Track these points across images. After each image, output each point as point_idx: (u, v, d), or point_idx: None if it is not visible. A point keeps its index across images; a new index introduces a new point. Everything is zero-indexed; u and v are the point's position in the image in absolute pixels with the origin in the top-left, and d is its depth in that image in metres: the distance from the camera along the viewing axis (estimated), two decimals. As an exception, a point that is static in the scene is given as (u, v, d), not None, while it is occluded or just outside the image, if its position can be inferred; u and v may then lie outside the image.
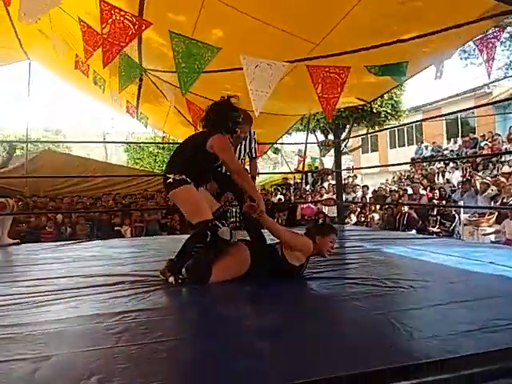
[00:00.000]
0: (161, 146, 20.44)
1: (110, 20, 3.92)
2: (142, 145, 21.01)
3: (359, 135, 17.34)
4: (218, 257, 2.49)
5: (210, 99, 7.52)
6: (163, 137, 9.24)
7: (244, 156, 3.49)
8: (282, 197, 10.58)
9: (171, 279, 2.43)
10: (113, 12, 3.92)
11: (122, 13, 3.96)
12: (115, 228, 7.88)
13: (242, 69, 4.17)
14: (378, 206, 9.10)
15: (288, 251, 2.55)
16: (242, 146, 3.38)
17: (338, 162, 6.12)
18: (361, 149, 20.75)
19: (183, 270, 2.48)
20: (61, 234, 7.35)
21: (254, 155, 3.57)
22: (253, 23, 5.34)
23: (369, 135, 19.11)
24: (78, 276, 2.68)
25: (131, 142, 21.09)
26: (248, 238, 2.88)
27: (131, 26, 3.97)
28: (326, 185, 10.83)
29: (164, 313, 1.92)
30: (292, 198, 10.82)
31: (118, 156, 24.20)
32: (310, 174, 13.95)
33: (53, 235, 7.13)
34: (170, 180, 2.48)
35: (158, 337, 1.57)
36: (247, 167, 3.58)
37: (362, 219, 8.78)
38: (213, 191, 3.05)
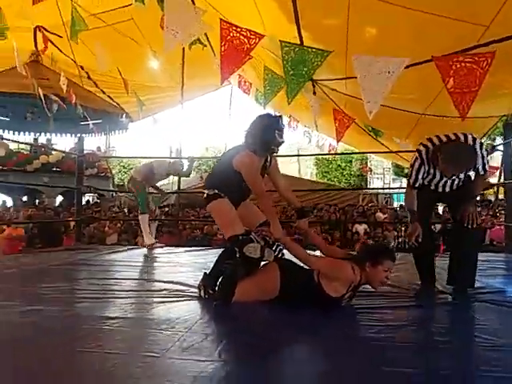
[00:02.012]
0: (348, 159, 20.31)
1: (229, 37, 4.06)
2: (330, 158, 21.23)
3: None
4: (247, 276, 2.25)
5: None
6: (329, 149, 9.05)
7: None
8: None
9: (202, 293, 2.37)
10: (230, 30, 4.06)
11: (238, 29, 4.07)
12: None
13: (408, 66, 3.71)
14: None
15: (325, 279, 2.15)
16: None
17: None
18: None
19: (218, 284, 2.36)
20: (228, 240, 7.95)
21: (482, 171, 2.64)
22: (409, 15, 4.79)
23: None
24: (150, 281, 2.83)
25: (311, 155, 21.40)
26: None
27: (246, 42, 4.03)
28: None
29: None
30: (485, 217, 9.09)
31: (310, 170, 25.06)
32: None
33: (222, 241, 7.77)
34: (205, 195, 2.47)
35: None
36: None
37: None
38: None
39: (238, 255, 2.25)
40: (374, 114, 3.48)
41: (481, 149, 2.37)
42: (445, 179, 2.53)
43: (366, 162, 19.51)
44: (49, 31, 8.76)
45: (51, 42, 9.34)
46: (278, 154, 2.67)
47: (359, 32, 5.46)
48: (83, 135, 13.78)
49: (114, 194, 14.29)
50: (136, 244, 6.81)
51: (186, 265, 3.65)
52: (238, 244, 2.24)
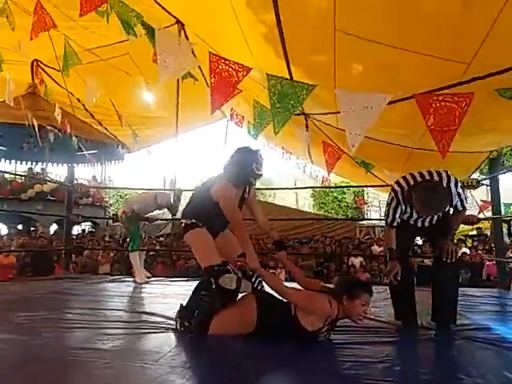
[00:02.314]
0: (345, 190, 20.34)
1: (218, 70, 4.17)
2: (327, 190, 21.31)
3: None
4: (223, 308, 2.21)
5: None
6: (322, 180, 9.09)
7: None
8: (467, 250, 8.97)
9: (177, 325, 2.31)
10: (219, 62, 4.17)
11: (227, 62, 4.17)
12: (269, 269, 7.99)
13: (393, 102, 3.77)
14: None
15: (301, 312, 2.12)
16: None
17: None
18: None
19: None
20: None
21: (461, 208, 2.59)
22: (393, 52, 4.93)
23: None
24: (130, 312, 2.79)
25: (307, 187, 21.45)
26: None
27: (234, 74, 4.13)
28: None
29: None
30: (481, 252, 9.05)
31: (308, 201, 25.10)
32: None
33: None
34: (183, 224, 2.47)
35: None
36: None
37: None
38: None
39: (213, 286, 2.21)
40: (356, 147, 3.52)
41: (456, 187, 2.37)
42: (423, 216, 2.53)
43: (362, 195, 19.56)
44: (46, 65, 8.99)
45: (48, 75, 9.56)
46: (276, 186, 2.69)
47: (346, 68, 5.59)
48: (79, 165, 14.11)
49: (110, 223, 14.25)
50: (131, 274, 6.75)
51: (169, 295, 3.60)
52: (213, 275, 2.20)
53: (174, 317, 2.41)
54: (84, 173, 14.87)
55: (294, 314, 2.12)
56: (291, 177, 26.71)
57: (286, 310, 2.16)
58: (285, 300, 2.26)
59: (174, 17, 7.08)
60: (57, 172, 14.32)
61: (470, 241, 11.02)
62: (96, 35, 7.19)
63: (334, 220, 14.25)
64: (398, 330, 2.44)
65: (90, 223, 13.59)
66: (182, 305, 2.42)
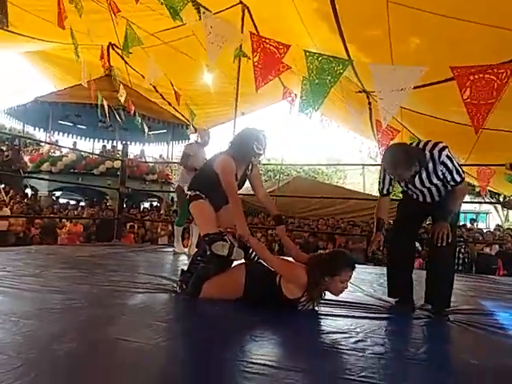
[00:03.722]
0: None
1: (259, 49, 4.23)
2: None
3: None
4: (215, 274, 2.32)
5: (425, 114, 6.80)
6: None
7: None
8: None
9: (178, 288, 2.46)
10: (260, 42, 4.22)
11: (267, 40, 4.21)
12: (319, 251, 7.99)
13: (452, 79, 3.62)
14: None
15: (284, 281, 2.17)
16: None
17: None
18: None
19: None
20: (271, 249, 8.01)
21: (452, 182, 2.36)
22: (452, 24, 4.65)
23: None
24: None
25: (365, 165, 20.54)
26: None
27: (276, 51, 4.16)
28: None
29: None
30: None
31: (373, 185, 24.24)
32: None
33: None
34: (188, 196, 2.62)
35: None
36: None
37: None
38: None
39: (208, 253, 2.34)
40: (388, 121, 3.44)
41: (440, 154, 2.17)
42: (410, 186, 2.36)
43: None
44: (119, 48, 9.58)
45: (122, 58, 10.19)
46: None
47: (402, 43, 5.34)
48: (150, 144, 14.96)
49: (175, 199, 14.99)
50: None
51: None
52: (208, 242, 2.32)
53: (177, 280, 2.58)
54: (152, 151, 15.81)
55: (278, 283, 2.20)
56: (359, 160, 25.92)
57: (272, 280, 2.23)
58: (272, 269, 2.32)
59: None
60: (131, 150, 15.34)
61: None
62: (162, 18, 7.54)
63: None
64: (389, 308, 2.37)
65: (156, 199, 14.42)
66: (182, 269, 2.58)
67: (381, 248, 2.42)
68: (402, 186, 2.52)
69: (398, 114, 7.84)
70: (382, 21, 5.09)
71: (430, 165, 2.25)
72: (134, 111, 9.78)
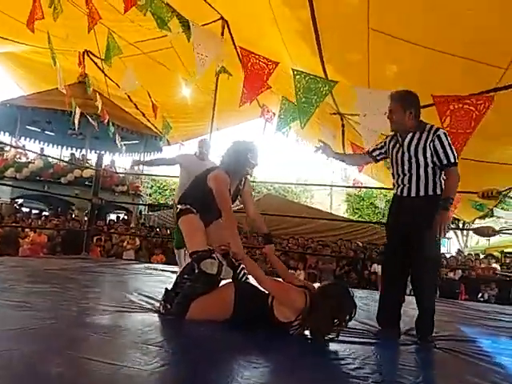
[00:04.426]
0: (376, 195, 19.98)
1: (249, 64, 4.25)
2: (363, 195, 20.94)
3: None
4: (203, 293, 2.22)
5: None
6: (353, 182, 8.98)
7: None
8: (498, 266, 8.60)
9: (161, 308, 2.33)
10: (250, 57, 4.25)
11: (257, 56, 4.25)
12: (290, 269, 7.97)
13: (430, 105, 3.74)
14: None
15: (277, 303, 2.11)
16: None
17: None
18: None
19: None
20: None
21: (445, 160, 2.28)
22: (429, 54, 4.83)
23: None
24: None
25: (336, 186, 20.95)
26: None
27: (265, 67, 4.20)
28: None
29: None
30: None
31: (343, 206, 24.68)
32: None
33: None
34: (178, 210, 2.57)
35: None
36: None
37: None
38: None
39: (196, 271, 2.26)
40: (370, 144, 3.49)
41: (437, 130, 2.25)
42: (399, 153, 2.37)
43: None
44: (95, 55, 9.39)
45: (97, 65, 10.01)
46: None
47: (380, 68, 5.50)
48: (119, 154, 14.64)
49: (143, 212, 14.66)
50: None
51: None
52: (196, 259, 2.25)
53: (160, 299, 2.43)
54: (122, 162, 15.46)
55: (270, 304, 2.13)
56: (328, 180, 26.34)
57: (263, 300, 2.16)
58: (264, 290, 2.24)
59: (219, 13, 7.24)
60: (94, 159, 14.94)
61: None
62: (141, 29, 7.48)
63: (363, 223, 13.91)
64: (376, 333, 2.33)
65: (124, 211, 14.06)
66: (166, 288, 2.43)
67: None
68: (391, 153, 2.47)
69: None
70: (362, 46, 5.24)
71: (424, 135, 2.28)
72: (108, 120, 9.58)
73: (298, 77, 3.75)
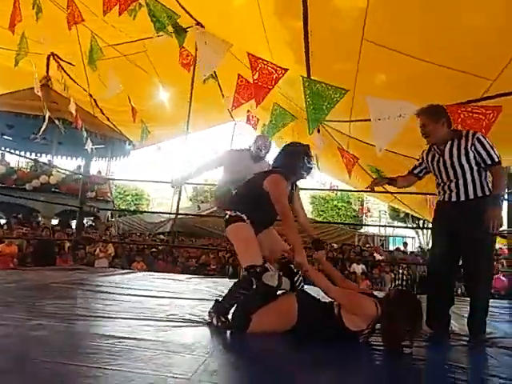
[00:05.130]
0: (346, 199, 20.54)
1: (258, 68, 4.27)
2: (327, 198, 21.43)
3: None
4: (263, 305, 2.20)
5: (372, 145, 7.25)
6: (330, 186, 9.18)
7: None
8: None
9: (214, 320, 2.28)
10: (258, 62, 4.28)
11: (265, 62, 4.29)
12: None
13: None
14: None
15: (345, 312, 2.10)
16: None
17: None
18: None
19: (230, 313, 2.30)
20: (224, 272, 7.87)
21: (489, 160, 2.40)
22: (418, 65, 5.04)
23: None
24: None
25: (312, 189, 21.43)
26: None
27: (274, 72, 4.23)
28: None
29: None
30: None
31: (307, 208, 25.14)
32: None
33: (215, 272, 7.70)
34: (227, 216, 2.42)
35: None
36: None
37: None
38: None
39: (254, 286, 2.19)
40: (382, 152, 3.60)
41: (474, 134, 2.40)
42: (440, 161, 2.48)
43: (362, 204, 19.66)
44: (61, 59, 9.00)
45: (63, 68, 9.60)
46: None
47: (368, 77, 5.68)
48: (83, 159, 14.09)
49: (110, 218, 14.20)
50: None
51: (187, 292, 3.59)
52: (254, 274, 2.18)
53: (208, 312, 2.38)
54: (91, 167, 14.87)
55: (338, 313, 2.10)
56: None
57: (328, 310, 2.14)
58: (326, 300, 2.22)
59: (194, 18, 7.19)
60: (61, 165, 14.32)
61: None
62: (116, 32, 7.27)
63: (338, 225, 14.26)
64: (428, 337, 2.38)
65: (92, 217, 13.58)
66: (217, 300, 2.37)
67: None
68: (432, 165, 2.56)
69: (345, 142, 8.30)
70: (353, 56, 5.39)
71: (463, 140, 2.39)
72: (78, 125, 9.22)
73: (307, 84, 3.81)
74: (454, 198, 2.45)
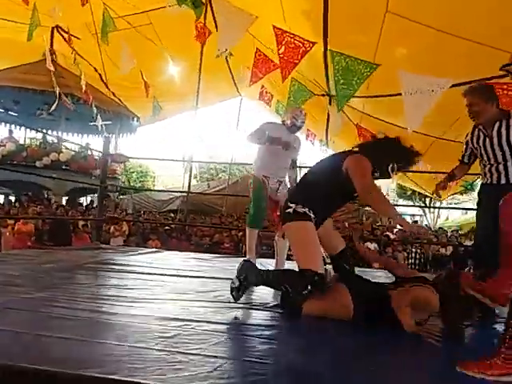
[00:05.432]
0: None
1: (284, 42, 4.14)
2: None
3: None
4: (314, 299, 2.11)
5: (387, 122, 7.11)
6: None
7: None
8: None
9: (234, 292, 2.19)
10: (284, 35, 4.14)
11: (292, 35, 4.15)
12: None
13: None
14: None
15: (403, 306, 1.98)
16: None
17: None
18: None
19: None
20: (238, 250, 7.87)
21: None
22: (440, 37, 4.89)
23: None
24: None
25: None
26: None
27: (301, 45, 4.10)
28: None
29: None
30: None
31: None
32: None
33: (229, 250, 7.69)
34: (290, 210, 2.19)
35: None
36: None
37: None
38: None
39: (305, 291, 2.07)
40: (414, 128, 3.52)
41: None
42: (487, 143, 2.39)
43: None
44: (67, 32, 8.75)
45: (67, 42, 9.37)
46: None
47: (389, 50, 5.52)
48: (89, 136, 13.96)
49: (120, 196, 14.19)
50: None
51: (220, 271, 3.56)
52: (313, 282, 2.05)
53: (233, 280, 2.23)
54: (94, 144, 14.79)
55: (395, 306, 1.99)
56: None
57: (384, 299, 2.03)
58: (378, 289, 2.15)
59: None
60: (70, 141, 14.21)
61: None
62: (124, 3, 7.06)
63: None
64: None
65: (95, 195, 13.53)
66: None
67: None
68: (478, 146, 2.48)
69: (357, 118, 8.17)
70: (375, 28, 5.22)
71: None
72: (88, 100, 9.07)
73: (337, 58, 3.69)
74: (503, 181, 2.38)
